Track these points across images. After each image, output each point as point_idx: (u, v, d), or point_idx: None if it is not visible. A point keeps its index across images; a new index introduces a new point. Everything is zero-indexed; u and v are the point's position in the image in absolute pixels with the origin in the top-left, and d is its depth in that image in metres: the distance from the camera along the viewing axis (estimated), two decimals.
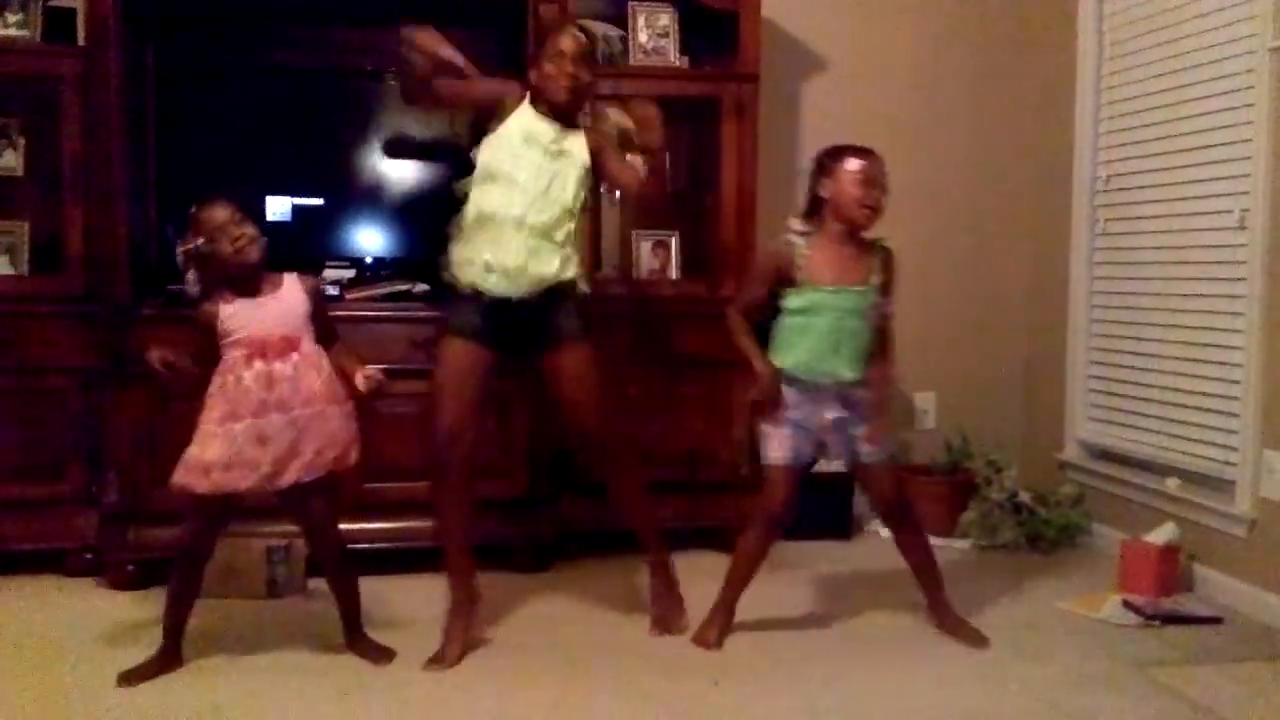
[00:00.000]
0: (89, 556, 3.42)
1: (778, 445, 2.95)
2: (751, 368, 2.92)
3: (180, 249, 2.71)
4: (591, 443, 3.08)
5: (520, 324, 2.91)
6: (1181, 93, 3.62)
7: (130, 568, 3.35)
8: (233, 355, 2.66)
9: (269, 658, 2.84)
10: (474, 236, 2.88)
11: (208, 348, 2.69)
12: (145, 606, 3.18)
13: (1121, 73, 3.95)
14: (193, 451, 2.63)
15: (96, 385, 3.40)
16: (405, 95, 2.97)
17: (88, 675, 2.69)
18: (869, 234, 2.92)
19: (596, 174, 3.02)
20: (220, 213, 2.67)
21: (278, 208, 3.79)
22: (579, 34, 2.95)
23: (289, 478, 2.65)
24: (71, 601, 3.25)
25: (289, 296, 2.73)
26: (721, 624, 3.01)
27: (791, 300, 2.91)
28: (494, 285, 2.86)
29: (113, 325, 3.37)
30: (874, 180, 2.87)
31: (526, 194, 2.85)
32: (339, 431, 2.71)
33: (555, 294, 2.93)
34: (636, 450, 3.17)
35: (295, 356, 2.67)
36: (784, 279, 2.91)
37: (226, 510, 2.72)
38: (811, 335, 2.88)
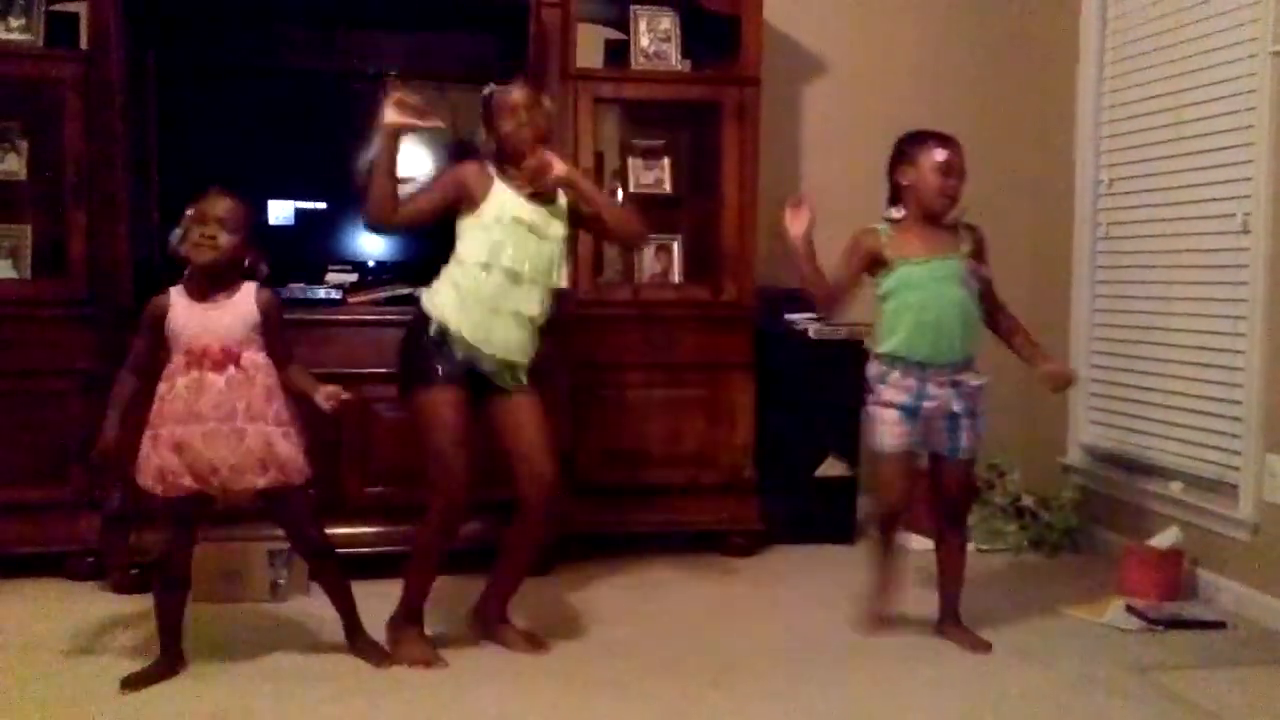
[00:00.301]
0: (90, 560, 3.42)
1: (887, 432, 2.92)
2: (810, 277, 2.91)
3: (175, 234, 2.71)
4: (543, 487, 2.89)
5: (480, 376, 2.88)
6: (1183, 96, 3.62)
7: (132, 571, 3.34)
8: (175, 358, 2.64)
9: (271, 661, 2.84)
10: (477, 313, 2.81)
11: (152, 342, 2.67)
12: (147, 610, 3.17)
13: (1123, 76, 3.95)
14: (144, 452, 2.62)
15: (98, 388, 3.39)
16: (368, 210, 2.83)
17: (89, 680, 2.68)
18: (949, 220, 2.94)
19: (585, 228, 3.03)
20: (212, 206, 2.64)
21: (280, 211, 3.80)
22: (523, 83, 2.94)
23: (219, 487, 2.62)
24: (73, 605, 3.24)
25: (240, 306, 2.67)
26: (882, 604, 3.07)
27: (885, 282, 2.91)
28: (477, 352, 2.82)
29: (115, 328, 3.36)
30: (955, 169, 2.88)
31: (522, 285, 2.83)
32: (257, 451, 2.61)
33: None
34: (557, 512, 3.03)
35: (231, 369, 2.63)
36: (876, 261, 2.91)
37: (194, 509, 2.68)
38: (911, 312, 2.87)
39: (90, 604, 3.26)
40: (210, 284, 2.67)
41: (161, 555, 2.73)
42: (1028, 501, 4.01)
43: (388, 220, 2.84)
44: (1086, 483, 4.09)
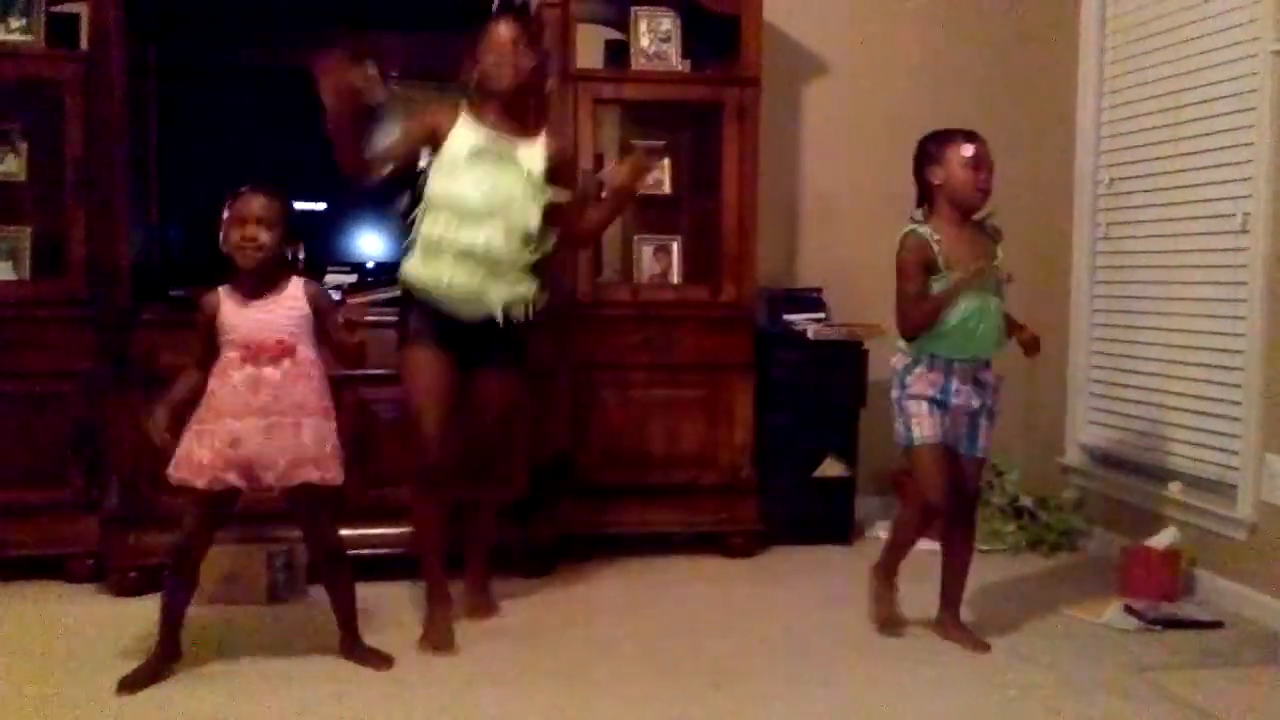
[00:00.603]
0: (90, 562, 3.42)
1: (921, 424, 2.92)
2: (964, 283, 2.85)
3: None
4: (483, 440, 3.06)
5: (463, 338, 2.90)
6: (1183, 96, 3.62)
7: (132, 573, 3.34)
8: (227, 355, 2.66)
9: (270, 663, 2.84)
10: (431, 258, 2.83)
11: (208, 340, 2.68)
12: (147, 612, 3.17)
13: (1123, 76, 3.95)
14: (186, 447, 2.63)
15: (98, 389, 3.40)
16: (339, 164, 2.83)
17: (89, 682, 2.68)
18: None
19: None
20: (250, 206, 2.65)
21: None
22: (513, 20, 2.91)
23: (266, 483, 2.63)
24: (72, 608, 3.24)
25: (291, 300, 2.70)
26: (889, 600, 3.07)
27: (936, 286, 2.90)
28: (451, 305, 2.85)
29: (114, 329, 3.37)
30: (984, 162, 2.90)
31: (477, 220, 2.80)
32: (312, 446, 2.64)
33: (500, 320, 2.91)
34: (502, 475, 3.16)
35: (286, 363, 2.65)
36: (929, 267, 2.90)
37: (223, 507, 2.70)
38: (957, 317, 2.87)
39: (90, 606, 3.26)
40: (259, 283, 2.68)
41: (181, 547, 2.72)
42: (1026, 502, 4.01)
43: (356, 168, 2.83)
44: (1085, 483, 4.09)
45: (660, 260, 4.02)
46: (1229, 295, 3.40)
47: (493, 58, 2.86)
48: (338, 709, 2.58)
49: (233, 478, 2.60)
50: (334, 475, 2.69)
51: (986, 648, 2.97)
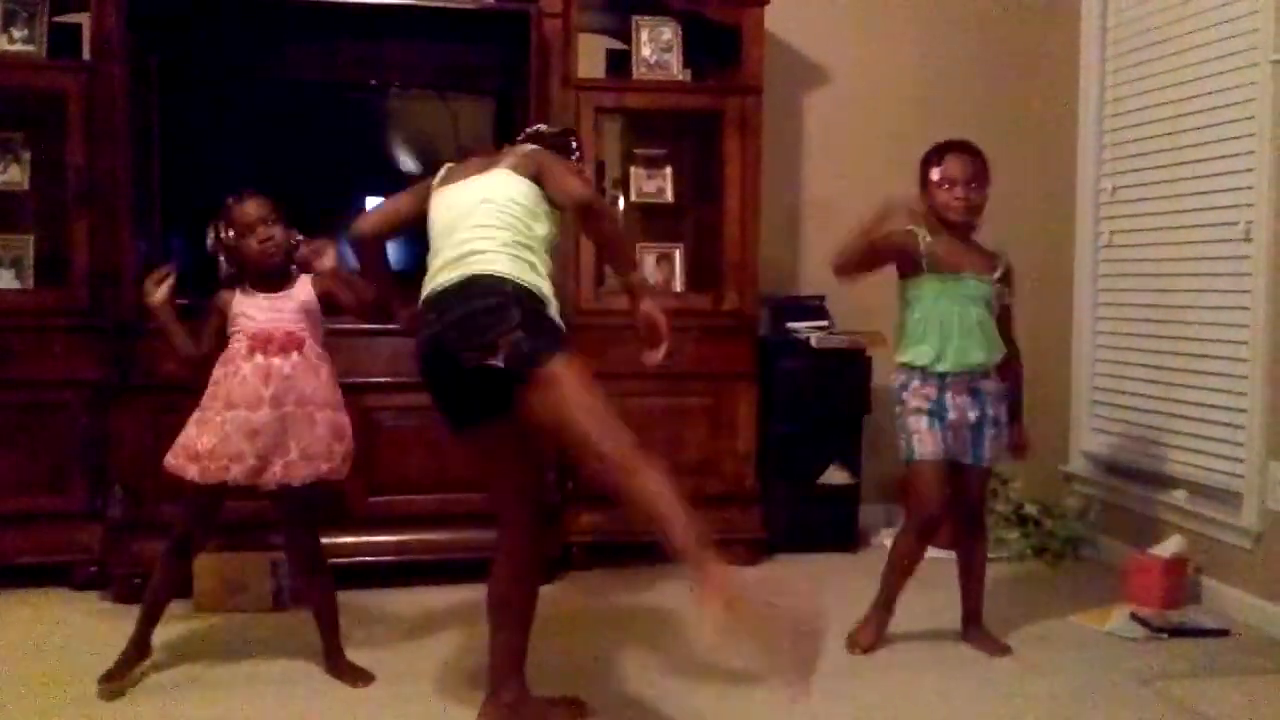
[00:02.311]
0: (93, 570, 3.42)
1: (920, 440, 2.92)
2: (872, 229, 2.90)
3: (211, 238, 2.75)
4: None
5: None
6: (1185, 105, 3.62)
7: (135, 581, 3.33)
8: (236, 345, 2.67)
9: (273, 669, 2.84)
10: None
11: (220, 333, 2.72)
12: None
13: (1125, 85, 3.96)
14: (188, 434, 2.64)
15: (101, 398, 3.41)
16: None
17: (92, 689, 2.67)
18: (981, 235, 2.99)
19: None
20: (253, 210, 2.70)
21: None
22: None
23: (274, 475, 2.63)
24: (76, 615, 3.24)
25: (301, 295, 2.74)
26: (878, 624, 3.03)
27: (913, 290, 2.93)
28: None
29: (117, 338, 3.37)
30: (958, 179, 2.90)
31: (454, 231, 2.40)
32: (326, 438, 2.68)
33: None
34: None
35: (296, 356, 2.68)
36: (907, 261, 2.93)
37: (216, 502, 2.69)
38: (932, 325, 2.90)
39: (93, 614, 3.26)
40: (271, 279, 2.73)
41: (174, 538, 2.72)
42: (1030, 509, 4.00)
43: (359, 236, 2.65)
44: (1089, 491, 4.09)
45: (662, 269, 4.02)
46: (1233, 303, 3.40)
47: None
48: (340, 714, 2.57)
49: (236, 471, 2.59)
50: (342, 471, 2.72)
51: (1007, 650, 2.99)
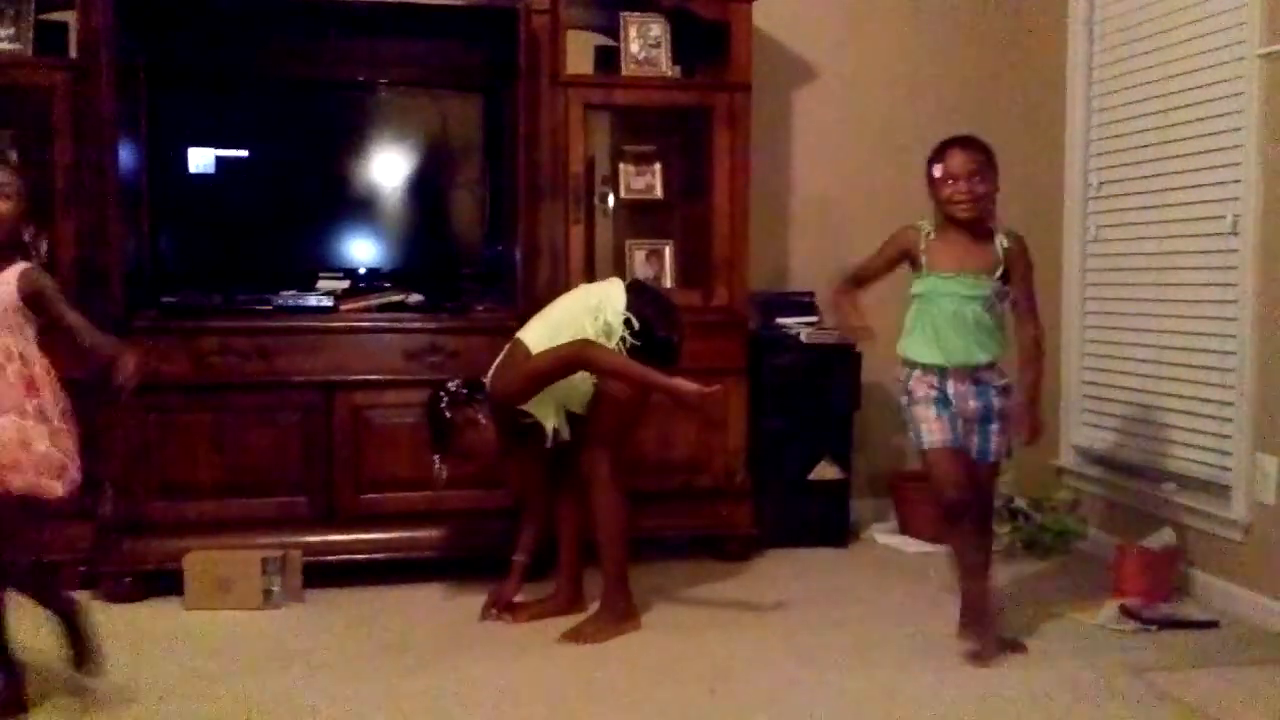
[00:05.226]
0: (84, 569, 3.40)
1: (927, 429, 2.92)
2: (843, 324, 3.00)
3: None
4: None
5: None
6: (1172, 99, 3.63)
7: (126, 580, 3.33)
8: None
9: (266, 666, 2.83)
10: None
11: None
12: (140, 619, 3.17)
13: (1112, 79, 3.97)
14: None
15: (90, 398, 3.39)
16: None
17: (80, 689, 2.66)
18: (996, 223, 2.97)
19: None
20: None
21: (272, 218, 3.80)
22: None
23: None
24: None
25: (3, 285, 2.43)
26: (980, 629, 2.93)
27: (914, 285, 2.94)
28: None
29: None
30: (959, 174, 2.89)
31: None
32: (9, 449, 2.35)
33: None
34: None
35: None
36: (911, 261, 2.94)
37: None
38: (929, 320, 2.91)
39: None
40: None
41: None
42: (1021, 503, 4.01)
43: None
44: (1079, 484, 4.10)
45: (652, 265, 4.02)
46: (1220, 296, 3.41)
47: None
48: (331, 712, 2.57)
49: None
50: (30, 485, 2.37)
51: (1023, 649, 2.97)
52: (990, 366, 2.95)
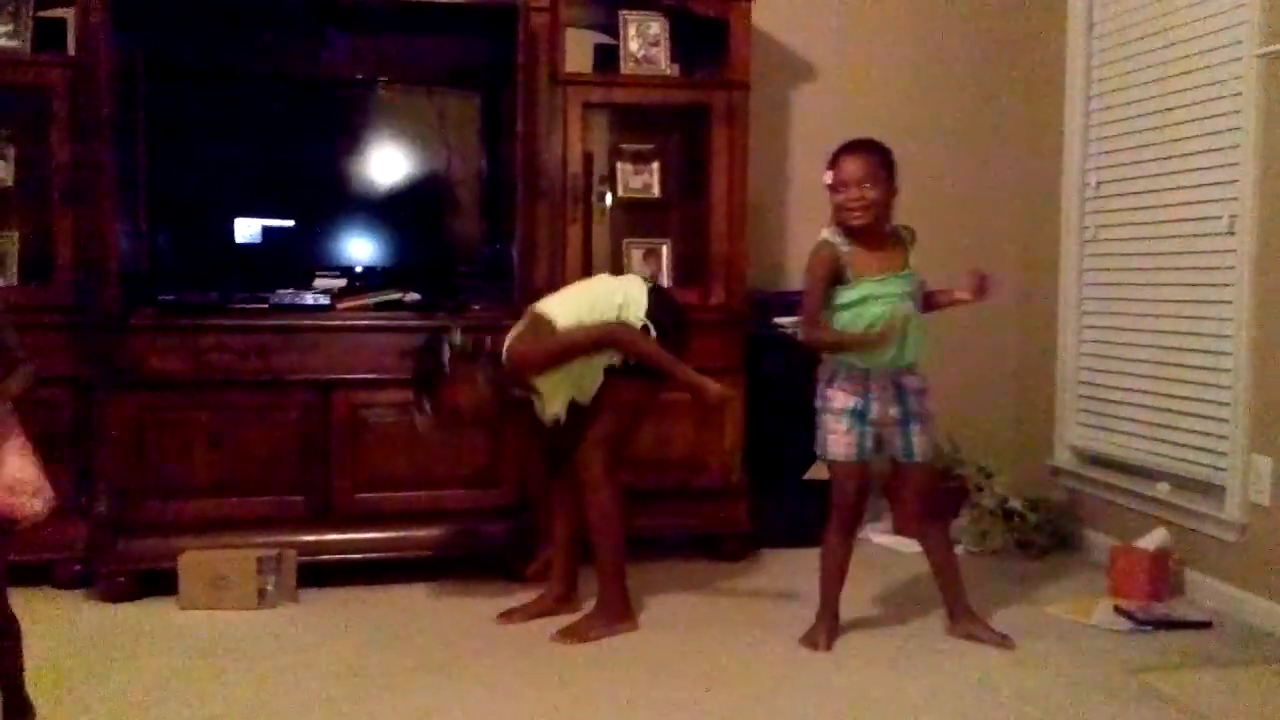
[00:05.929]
0: (78, 567, 3.40)
1: (835, 441, 2.96)
2: (864, 340, 2.91)
3: None
4: None
5: None
6: (1170, 99, 3.63)
7: (121, 579, 3.33)
8: None
9: (261, 666, 2.84)
10: None
11: None
12: (135, 618, 3.17)
13: (1110, 79, 3.97)
14: None
15: (86, 395, 3.39)
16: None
17: (77, 688, 2.67)
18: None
19: None
20: None
21: (270, 217, 3.79)
22: None
23: None
24: (61, 613, 3.22)
25: None
26: (828, 628, 3.04)
27: (844, 295, 2.92)
28: None
29: (103, 334, 3.36)
30: (850, 181, 2.89)
31: None
32: None
33: None
34: None
35: None
36: (836, 277, 2.93)
37: None
38: (864, 323, 2.90)
39: (78, 612, 3.25)
40: None
41: None
42: (1016, 503, 4.01)
43: None
44: (1074, 484, 4.10)
45: (649, 264, 4.02)
46: (1216, 297, 3.42)
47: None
48: (327, 714, 2.57)
49: None
50: (28, 508, 2.29)
51: (1010, 643, 3.01)
52: (911, 370, 2.97)
